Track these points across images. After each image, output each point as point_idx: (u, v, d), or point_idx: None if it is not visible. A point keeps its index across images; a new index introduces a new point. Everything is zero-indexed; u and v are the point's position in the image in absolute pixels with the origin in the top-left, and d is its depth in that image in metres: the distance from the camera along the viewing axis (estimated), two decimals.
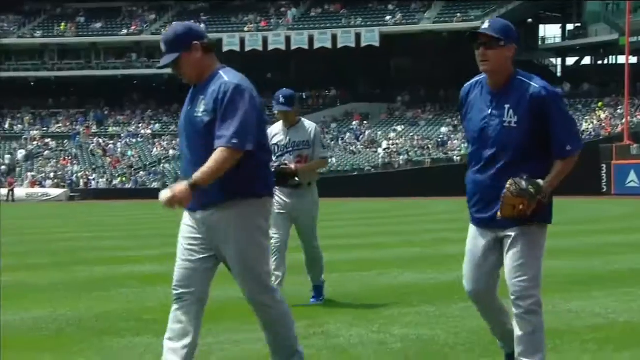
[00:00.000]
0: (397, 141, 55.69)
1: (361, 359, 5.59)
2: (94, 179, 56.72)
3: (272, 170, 6.85)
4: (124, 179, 56.63)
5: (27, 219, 30.15)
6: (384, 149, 54.29)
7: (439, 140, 54.66)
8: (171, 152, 57.21)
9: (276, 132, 7.99)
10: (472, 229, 4.73)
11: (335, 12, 61.73)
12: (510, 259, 4.59)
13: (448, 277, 9.43)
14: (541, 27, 67.69)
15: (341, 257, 11.88)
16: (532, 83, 4.56)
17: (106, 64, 63.47)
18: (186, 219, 4.74)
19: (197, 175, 4.40)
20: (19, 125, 64.29)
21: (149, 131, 62.23)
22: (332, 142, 55.73)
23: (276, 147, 7.83)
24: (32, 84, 64.48)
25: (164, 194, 4.43)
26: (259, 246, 4.64)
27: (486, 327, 4.98)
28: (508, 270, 4.60)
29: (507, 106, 4.54)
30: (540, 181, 4.49)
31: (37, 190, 55.00)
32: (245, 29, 61.02)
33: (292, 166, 7.82)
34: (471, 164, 4.66)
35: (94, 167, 58.36)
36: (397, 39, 59.02)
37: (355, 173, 52.50)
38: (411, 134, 56.43)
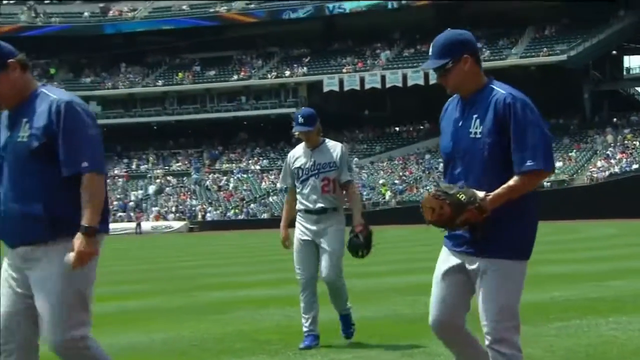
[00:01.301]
0: None
1: None
2: (210, 212, 57.76)
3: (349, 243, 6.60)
4: (236, 210, 57.48)
5: (153, 249, 30.88)
6: None
7: None
8: (278, 185, 57.86)
9: (298, 154, 6.91)
10: (442, 251, 4.02)
11: (426, 52, 61.35)
12: (480, 297, 3.83)
13: (542, 298, 9.18)
14: (625, 57, 65.78)
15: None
16: (499, 89, 3.88)
17: (219, 107, 64.78)
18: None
19: (85, 219, 3.65)
20: (144, 165, 66.18)
21: (257, 167, 63.09)
22: (425, 173, 55.48)
23: (300, 171, 6.79)
24: (155, 127, 66.33)
25: (69, 259, 3.68)
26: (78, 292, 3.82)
27: (581, 344, 4.77)
28: (479, 310, 3.85)
29: (474, 116, 3.88)
30: (480, 193, 3.71)
31: (161, 223, 56.36)
32: (344, 70, 61.38)
33: (359, 227, 6.65)
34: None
35: (209, 200, 59.46)
36: (486, 74, 58.26)
37: None
38: None
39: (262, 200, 58.07)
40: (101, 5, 68.09)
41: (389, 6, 61.65)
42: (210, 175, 63.05)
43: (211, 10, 65.66)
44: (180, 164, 65.51)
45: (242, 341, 7.12)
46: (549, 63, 55.85)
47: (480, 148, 3.81)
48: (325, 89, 59.97)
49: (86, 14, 67.88)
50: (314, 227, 6.68)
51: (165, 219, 57.53)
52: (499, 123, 3.79)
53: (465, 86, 3.92)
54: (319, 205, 6.69)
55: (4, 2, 69.38)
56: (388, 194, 53.82)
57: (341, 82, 60.29)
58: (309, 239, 6.69)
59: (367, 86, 59.91)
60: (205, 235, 47.46)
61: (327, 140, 6.95)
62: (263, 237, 32.20)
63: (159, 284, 13.88)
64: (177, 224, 55.53)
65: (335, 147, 6.87)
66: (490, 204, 3.71)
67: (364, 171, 57.83)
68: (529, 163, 3.72)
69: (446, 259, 3.95)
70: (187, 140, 66.70)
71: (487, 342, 3.80)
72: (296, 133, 6.92)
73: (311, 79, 62.36)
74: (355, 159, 56.74)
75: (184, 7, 66.58)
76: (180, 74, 66.27)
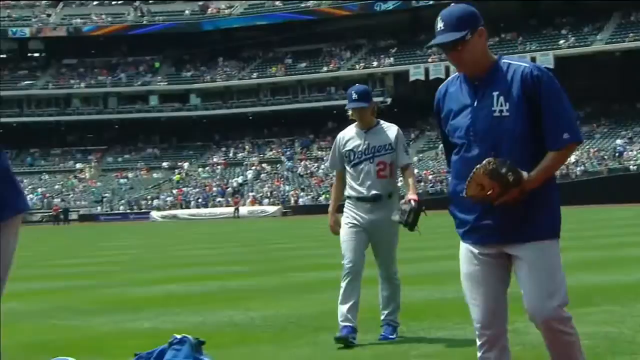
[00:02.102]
0: (574, 153, 53.49)
1: None
2: (302, 197, 58.26)
3: (403, 209, 5.59)
4: (327, 196, 57.81)
5: (249, 232, 31.36)
6: (560, 169, 52.36)
7: (615, 151, 51.95)
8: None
9: (349, 136, 6.05)
10: (463, 249, 3.57)
11: (511, 40, 60.24)
12: (523, 282, 3.49)
13: (632, 278, 8.90)
14: None
15: None
16: (521, 63, 3.50)
17: (310, 97, 65.14)
18: None
19: None
20: (241, 153, 67.18)
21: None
22: None
23: (351, 154, 5.96)
24: (250, 118, 67.20)
25: None
26: None
27: None
28: (525, 294, 3.51)
29: (495, 94, 3.44)
30: (525, 173, 3.36)
31: (257, 207, 57.17)
32: (429, 60, 60.73)
33: (411, 198, 5.73)
34: (457, 174, 3.52)
35: (302, 186, 59.94)
36: (571, 60, 56.69)
37: None
38: (587, 147, 53.93)
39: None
40: (200, 3, 69.28)
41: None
42: (302, 162, 63.53)
43: (302, 5, 65.95)
44: (274, 151, 66.22)
45: (333, 319, 7.13)
46: (635, 48, 53.95)
47: (510, 127, 3.41)
48: (412, 78, 59.52)
49: (187, 12, 69.21)
50: (366, 216, 5.91)
51: (260, 203, 58.31)
52: (527, 97, 3.41)
53: (480, 62, 3.49)
54: (373, 192, 5.89)
55: (113, 2, 71.41)
56: None
57: (427, 71, 59.68)
58: (361, 228, 5.92)
59: (452, 74, 59.07)
60: (297, 219, 47.87)
61: (381, 121, 6.11)
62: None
63: (256, 265, 14.08)
64: (272, 209, 56.21)
65: (390, 128, 6.05)
66: (531, 185, 3.38)
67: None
68: (566, 136, 3.40)
69: (472, 255, 3.53)
70: (280, 129, 67.34)
71: (542, 325, 3.48)
72: (349, 112, 6.13)
73: (398, 69, 62.03)
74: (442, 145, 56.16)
75: (277, 3, 67.07)
76: (273, 67, 66.91)
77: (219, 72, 68.60)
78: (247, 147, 67.27)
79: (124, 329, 7.13)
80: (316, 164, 62.79)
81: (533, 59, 56.50)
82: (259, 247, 20.04)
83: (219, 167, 65.77)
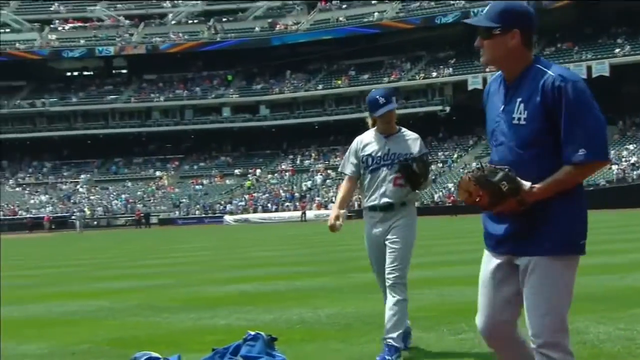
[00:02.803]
0: (630, 158, 52.02)
1: (611, 353, 5.17)
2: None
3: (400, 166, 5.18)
4: None
5: (315, 235, 31.41)
6: (618, 166, 50.89)
7: None
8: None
9: (368, 140, 5.46)
10: (484, 255, 3.31)
11: (567, 49, 59.05)
12: (526, 297, 3.13)
13: None
14: None
15: (586, 262, 11.23)
16: (547, 71, 3.09)
17: None
18: None
19: None
20: (307, 161, 67.46)
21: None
22: None
23: (369, 159, 5.39)
24: (316, 127, 67.42)
25: None
26: None
27: None
28: (525, 310, 3.15)
29: (518, 100, 3.11)
30: (526, 183, 3.03)
31: (323, 211, 57.26)
32: (487, 69, 59.91)
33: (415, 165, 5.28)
34: None
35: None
36: (626, 68, 55.25)
37: (592, 188, 49.62)
38: None
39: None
40: (269, 20, 69.95)
41: None
42: None
43: (366, 20, 65.94)
44: (338, 158, 66.22)
45: None
46: None
47: (525, 135, 3.07)
48: (470, 87, 58.85)
49: (257, 29, 69.94)
50: (380, 229, 5.40)
51: (326, 208, 58.37)
52: (546, 108, 3.04)
53: (503, 63, 3.18)
54: (384, 200, 5.33)
55: (189, 21, 72.64)
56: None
57: (485, 80, 58.85)
58: (374, 245, 5.48)
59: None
60: (360, 222, 47.65)
61: (403, 129, 5.55)
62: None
63: (321, 266, 14.09)
64: None
65: (413, 138, 5.46)
66: (534, 197, 3.03)
67: None
68: (580, 153, 2.98)
69: (489, 259, 3.25)
70: (344, 137, 67.26)
71: (533, 346, 3.10)
72: (368, 120, 5.54)
73: (456, 79, 61.47)
74: None
75: (341, 18, 67.21)
76: (338, 79, 67.03)
77: (286, 85, 69.06)
78: (313, 154, 67.50)
79: (202, 326, 7.22)
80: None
81: (589, 68, 55.27)
82: (324, 249, 20.06)
83: (287, 173, 66.17)
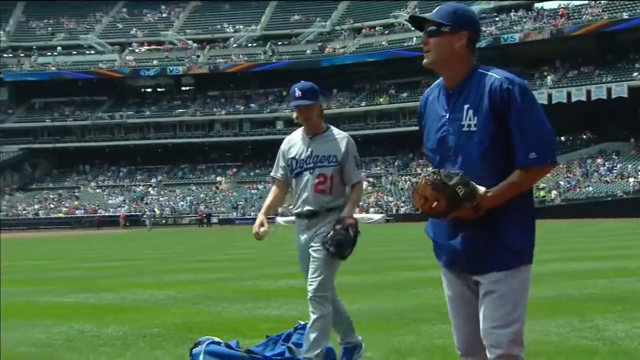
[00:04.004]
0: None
1: (628, 350, 5.04)
2: (402, 207, 57.82)
3: (329, 237, 4.22)
4: None
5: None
6: (635, 179, 49.65)
7: None
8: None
9: (294, 141, 4.51)
10: (442, 271, 2.91)
11: (589, 72, 57.92)
12: (482, 309, 2.74)
13: None
14: None
15: (604, 266, 10.97)
16: (491, 74, 2.71)
17: (410, 122, 64.54)
18: None
19: None
20: None
21: None
22: (588, 174, 52.34)
23: (293, 162, 4.45)
24: (359, 139, 67.23)
25: None
26: None
27: None
28: (480, 323, 2.75)
29: (466, 106, 2.70)
30: (481, 188, 2.63)
31: (364, 215, 57.10)
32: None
33: (349, 220, 4.31)
34: None
35: (402, 198, 59.50)
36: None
37: (609, 198, 48.51)
38: None
39: None
40: (319, 44, 70.24)
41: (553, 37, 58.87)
42: (402, 177, 63.07)
43: (405, 44, 65.71)
44: (378, 168, 66.07)
45: (431, 312, 7.03)
46: None
47: (477, 142, 2.66)
48: None
49: (308, 51, 70.27)
50: (305, 235, 4.48)
51: (367, 212, 58.24)
52: (496, 112, 2.65)
53: (446, 65, 2.76)
54: (307, 208, 4.41)
55: (249, 44, 73.25)
56: (554, 193, 51.20)
57: None
58: (301, 253, 4.56)
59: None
60: (398, 225, 47.45)
61: (332, 127, 4.55)
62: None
63: (359, 265, 14.05)
64: (376, 216, 55.99)
65: (340, 138, 4.47)
66: (489, 203, 2.64)
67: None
68: (532, 156, 2.62)
69: (449, 277, 2.86)
70: (384, 149, 67.15)
71: (491, 356, 2.73)
72: (294, 115, 4.53)
73: None
74: None
75: (383, 42, 67.14)
76: (380, 97, 66.90)
77: (333, 101, 69.15)
78: (411, 180, 67.54)
79: (256, 315, 7.25)
80: (415, 179, 62.29)
81: (609, 89, 54.08)
82: (363, 249, 19.99)
83: None
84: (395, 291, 9.05)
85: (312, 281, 4.39)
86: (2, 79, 69.69)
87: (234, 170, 70.78)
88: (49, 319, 7.28)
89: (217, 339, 4.93)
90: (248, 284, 10.61)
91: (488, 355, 2.76)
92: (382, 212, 57.12)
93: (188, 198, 66.44)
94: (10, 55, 72.09)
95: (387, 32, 68.08)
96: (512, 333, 2.71)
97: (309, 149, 4.40)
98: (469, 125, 2.69)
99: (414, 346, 5.35)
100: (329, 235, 4.29)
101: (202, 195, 67.25)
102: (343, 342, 4.72)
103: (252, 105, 71.41)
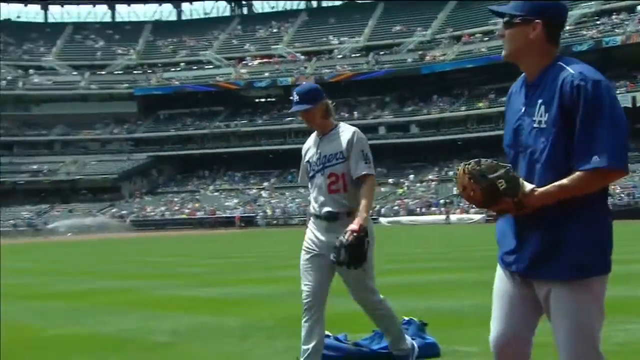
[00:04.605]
0: None
1: None
2: None
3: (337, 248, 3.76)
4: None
5: (456, 235, 30.66)
6: None
7: None
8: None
9: (309, 145, 4.17)
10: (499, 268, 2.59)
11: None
12: (552, 325, 2.44)
13: None
14: None
15: None
16: (568, 68, 2.37)
17: None
18: None
19: None
20: (451, 172, 66.14)
21: None
22: None
23: (309, 166, 4.11)
24: (459, 143, 66.02)
25: None
26: None
27: None
28: (553, 339, 2.45)
29: (539, 101, 2.40)
30: (528, 185, 2.35)
31: (464, 215, 56.00)
32: (617, 91, 56.11)
33: (352, 226, 3.80)
34: None
35: None
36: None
37: None
38: None
39: None
40: (420, 52, 69.58)
41: None
42: None
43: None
44: None
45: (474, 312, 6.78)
46: None
47: (544, 140, 2.36)
48: None
49: (409, 60, 69.75)
50: (323, 238, 3.97)
51: (467, 212, 57.00)
52: (564, 109, 2.33)
53: (522, 58, 2.48)
54: (326, 209, 3.97)
55: (352, 55, 73.66)
56: None
57: (634, 100, 55.41)
58: (317, 251, 4.00)
59: (638, 104, 54.32)
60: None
61: (341, 124, 4.09)
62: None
63: (464, 263, 13.76)
64: (477, 217, 54.70)
65: (345, 132, 4.00)
66: (536, 201, 2.33)
67: (635, 174, 52.47)
68: (595, 159, 2.26)
69: (502, 274, 2.59)
70: (483, 152, 65.22)
71: None
72: (299, 117, 4.21)
73: None
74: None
75: (483, 49, 65.56)
76: (479, 101, 65.36)
77: (434, 106, 68.25)
78: (456, 166, 66.10)
79: (358, 309, 7.24)
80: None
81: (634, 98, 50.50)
82: (462, 248, 19.58)
83: (433, 182, 65.24)
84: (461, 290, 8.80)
85: (356, 291, 4.10)
86: (133, 93, 73.69)
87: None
88: (176, 311, 7.65)
89: (326, 332, 5.00)
90: None
91: None
92: (482, 213, 55.70)
93: (297, 200, 67.56)
94: (139, 72, 76.16)
95: (486, 38, 66.44)
96: (586, 349, 2.36)
97: (319, 150, 4.04)
98: (540, 122, 2.40)
99: None
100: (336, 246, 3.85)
101: (309, 198, 68.14)
102: (398, 351, 4.29)
103: (356, 112, 71.65)
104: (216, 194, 71.34)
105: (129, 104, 74.39)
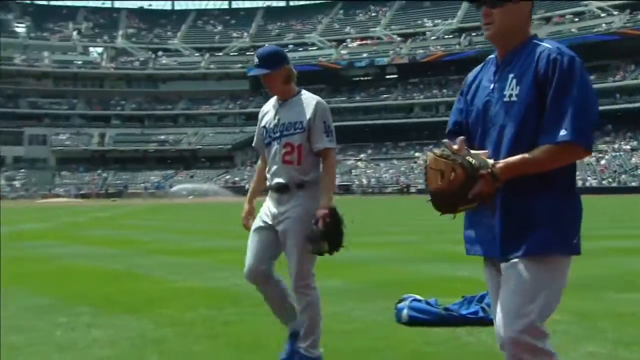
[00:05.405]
0: None
1: None
2: (588, 180, 53.40)
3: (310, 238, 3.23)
4: (609, 180, 52.38)
5: None
6: None
7: None
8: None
9: (267, 109, 3.55)
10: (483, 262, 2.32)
11: None
12: (501, 297, 2.14)
13: None
14: None
15: None
16: (543, 44, 2.14)
17: (600, 102, 58.82)
18: None
19: None
20: None
21: (628, 146, 56.60)
22: None
23: (264, 131, 3.49)
24: None
25: None
26: None
27: None
28: (497, 313, 2.15)
29: (510, 76, 2.14)
30: (489, 160, 2.05)
31: None
32: None
33: (320, 212, 3.26)
34: None
35: (588, 171, 54.88)
36: None
37: None
38: None
39: (632, 172, 52.12)
40: None
41: None
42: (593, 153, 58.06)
43: (594, 30, 59.79)
44: None
45: (616, 281, 6.43)
46: None
47: (515, 113, 2.10)
48: None
49: None
50: (274, 210, 3.42)
51: None
52: (538, 82, 2.08)
53: (511, 34, 2.19)
54: (276, 180, 3.40)
55: (445, 37, 71.57)
56: None
57: None
58: (266, 225, 3.45)
59: None
60: (584, 198, 43.68)
61: (303, 91, 3.48)
62: (629, 202, 28.56)
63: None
64: None
65: (309, 101, 3.42)
66: (503, 172, 2.04)
67: None
68: (562, 132, 2.01)
69: (484, 266, 2.30)
70: None
71: (503, 350, 2.12)
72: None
73: None
74: None
75: (573, 29, 61.69)
76: None
77: None
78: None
79: (447, 276, 7.14)
80: (600, 154, 57.25)
81: None
82: None
83: None
84: (578, 261, 8.39)
85: (292, 268, 3.43)
86: (246, 73, 75.37)
87: (431, 147, 69.63)
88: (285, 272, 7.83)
89: (418, 297, 4.92)
90: (435, 248, 10.45)
91: (503, 350, 2.14)
92: None
93: (391, 171, 67.10)
94: (252, 53, 77.68)
95: (577, 19, 62.48)
96: (525, 323, 2.07)
97: (277, 117, 3.44)
98: (510, 96, 2.13)
99: (598, 312, 4.96)
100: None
101: (402, 169, 67.49)
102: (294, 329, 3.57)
103: (446, 90, 69.82)
104: None
105: (243, 82, 76.20)
